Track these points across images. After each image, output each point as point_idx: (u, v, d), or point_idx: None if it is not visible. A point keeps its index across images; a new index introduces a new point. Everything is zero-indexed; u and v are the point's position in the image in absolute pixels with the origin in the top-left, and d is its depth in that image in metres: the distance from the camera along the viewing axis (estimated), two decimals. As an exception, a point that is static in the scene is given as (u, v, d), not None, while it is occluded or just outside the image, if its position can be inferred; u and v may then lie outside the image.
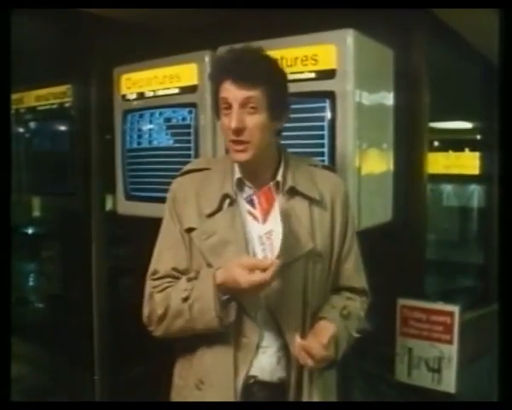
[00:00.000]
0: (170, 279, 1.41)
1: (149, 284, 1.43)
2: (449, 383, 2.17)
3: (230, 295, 1.30)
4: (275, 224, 1.27)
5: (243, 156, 1.33)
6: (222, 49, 1.41)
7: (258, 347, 1.35)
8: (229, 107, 1.31)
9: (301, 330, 1.35)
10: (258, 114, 1.30)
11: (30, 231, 4.36)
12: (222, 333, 1.33)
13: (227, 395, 1.34)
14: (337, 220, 1.43)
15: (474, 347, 2.53)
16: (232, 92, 1.29)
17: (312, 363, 1.28)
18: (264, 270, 1.23)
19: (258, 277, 1.23)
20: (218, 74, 1.34)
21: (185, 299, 1.32)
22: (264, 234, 1.29)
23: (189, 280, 1.35)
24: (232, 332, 1.33)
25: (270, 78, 1.33)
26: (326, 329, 1.33)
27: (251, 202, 1.31)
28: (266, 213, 1.28)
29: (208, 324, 1.31)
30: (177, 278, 1.40)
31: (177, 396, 1.48)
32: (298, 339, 1.28)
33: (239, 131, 1.29)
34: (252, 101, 1.29)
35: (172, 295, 1.36)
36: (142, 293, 1.49)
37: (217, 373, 1.36)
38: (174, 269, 1.41)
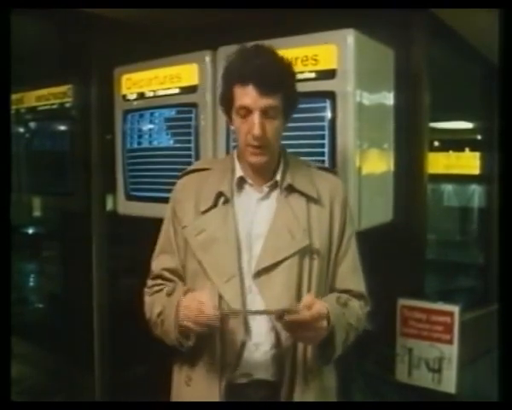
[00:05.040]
0: (160, 281, 1.46)
1: (147, 284, 1.49)
2: (449, 383, 2.17)
3: None
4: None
5: (260, 159, 1.35)
6: (231, 52, 1.39)
7: (247, 344, 1.34)
8: (248, 113, 1.31)
9: None
10: (276, 120, 1.33)
11: (30, 231, 4.36)
12: (209, 330, 1.32)
13: (212, 391, 1.34)
14: (336, 220, 1.43)
15: (475, 347, 2.53)
16: (254, 99, 1.29)
17: (303, 331, 1.22)
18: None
19: (192, 326, 1.27)
20: (237, 76, 1.32)
21: (158, 314, 1.39)
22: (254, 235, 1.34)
23: (167, 295, 1.40)
24: (218, 329, 1.32)
25: (289, 83, 1.35)
26: (306, 296, 1.28)
27: None
28: None
29: (171, 343, 1.37)
30: (168, 280, 1.45)
31: (174, 393, 1.49)
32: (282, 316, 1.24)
33: (260, 137, 1.31)
34: (272, 108, 1.31)
35: (154, 305, 1.42)
36: (143, 293, 1.50)
37: (203, 369, 1.37)
38: (165, 269, 1.46)
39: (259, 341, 1.35)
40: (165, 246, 1.47)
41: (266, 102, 1.29)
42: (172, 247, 1.45)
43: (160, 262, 1.47)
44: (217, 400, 1.34)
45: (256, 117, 1.29)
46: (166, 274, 1.45)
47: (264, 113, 1.30)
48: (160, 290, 1.44)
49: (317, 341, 1.28)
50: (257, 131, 1.29)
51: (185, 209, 1.42)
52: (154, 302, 1.42)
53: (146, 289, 1.48)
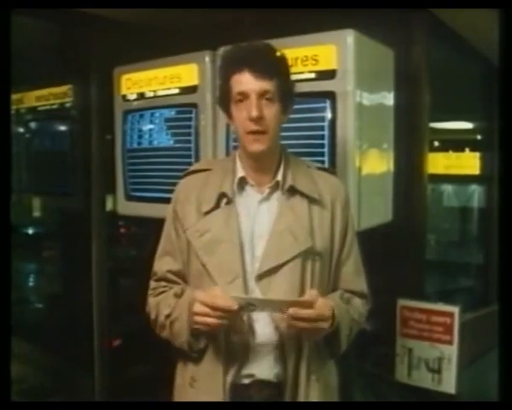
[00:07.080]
0: (165, 283, 1.45)
1: (150, 285, 1.48)
2: (449, 383, 2.17)
3: None
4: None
5: (260, 147, 1.34)
6: (225, 48, 1.41)
7: (250, 344, 1.34)
8: (245, 98, 1.32)
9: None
10: (273, 105, 1.33)
11: (30, 231, 4.36)
12: (214, 331, 1.32)
13: (217, 392, 1.34)
14: (337, 222, 1.43)
15: (474, 347, 2.53)
16: (250, 83, 1.31)
17: (306, 326, 1.25)
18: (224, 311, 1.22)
19: (210, 320, 1.25)
20: (233, 66, 1.35)
21: (167, 316, 1.37)
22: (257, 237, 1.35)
23: (175, 296, 1.39)
24: (223, 330, 1.32)
25: (283, 71, 1.37)
26: (310, 291, 1.31)
27: None
28: None
29: (181, 345, 1.36)
30: (172, 282, 1.45)
31: (177, 394, 1.48)
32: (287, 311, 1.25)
33: (258, 119, 1.31)
34: (268, 92, 1.32)
35: (161, 306, 1.41)
36: (142, 293, 1.49)
37: (206, 370, 1.36)
38: (169, 271, 1.45)
39: (263, 341, 1.35)
40: (168, 248, 1.46)
41: (262, 85, 1.31)
42: (175, 249, 1.44)
43: (163, 264, 1.46)
44: (220, 400, 1.33)
45: (253, 99, 1.31)
46: (170, 276, 1.45)
47: (261, 96, 1.31)
48: (165, 292, 1.43)
49: (320, 336, 1.32)
50: (254, 112, 1.30)
51: (186, 211, 1.42)
52: (160, 304, 1.41)
53: (149, 291, 1.47)
